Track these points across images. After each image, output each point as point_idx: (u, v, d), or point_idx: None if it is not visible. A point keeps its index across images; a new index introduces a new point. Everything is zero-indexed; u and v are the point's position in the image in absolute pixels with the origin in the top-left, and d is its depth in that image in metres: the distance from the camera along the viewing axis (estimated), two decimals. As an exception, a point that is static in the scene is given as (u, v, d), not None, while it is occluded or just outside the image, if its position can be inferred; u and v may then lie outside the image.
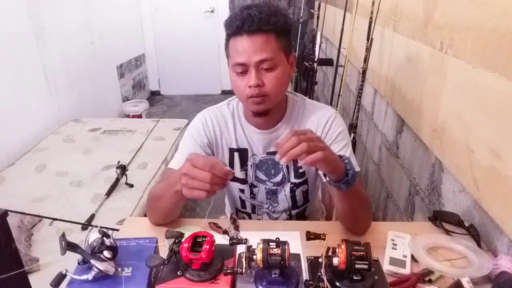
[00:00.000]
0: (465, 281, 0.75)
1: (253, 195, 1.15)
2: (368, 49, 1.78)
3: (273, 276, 0.68)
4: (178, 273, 0.70)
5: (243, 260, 0.68)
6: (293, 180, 1.10)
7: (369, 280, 0.68)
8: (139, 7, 4.70)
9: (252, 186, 1.13)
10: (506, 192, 0.86)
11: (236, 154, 1.09)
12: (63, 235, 0.69)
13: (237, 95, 1.00)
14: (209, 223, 1.01)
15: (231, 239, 0.73)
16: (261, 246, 0.67)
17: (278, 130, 1.06)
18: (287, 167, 1.09)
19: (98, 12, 3.53)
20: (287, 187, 1.11)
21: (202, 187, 0.75)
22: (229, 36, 0.94)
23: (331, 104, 2.51)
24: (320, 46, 3.77)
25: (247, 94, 0.94)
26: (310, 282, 0.68)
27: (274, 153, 1.07)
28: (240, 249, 0.73)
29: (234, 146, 1.08)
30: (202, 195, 0.76)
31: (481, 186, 0.97)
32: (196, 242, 0.72)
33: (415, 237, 0.91)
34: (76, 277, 0.70)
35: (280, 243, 0.68)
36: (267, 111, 0.98)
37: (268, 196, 1.14)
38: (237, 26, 0.89)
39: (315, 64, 3.07)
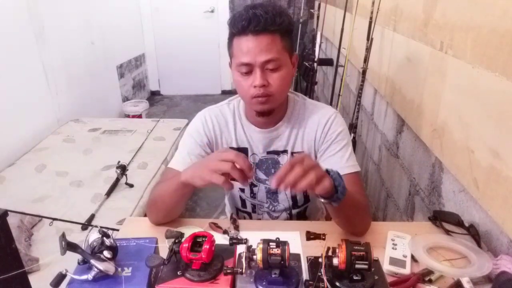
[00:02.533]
0: (465, 281, 0.75)
1: (253, 195, 1.15)
2: (368, 49, 1.78)
3: (273, 276, 0.68)
4: (178, 273, 0.70)
5: (243, 260, 0.68)
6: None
7: (369, 280, 0.68)
8: (139, 7, 4.70)
9: (252, 185, 1.13)
10: (506, 192, 0.86)
11: (235, 154, 1.09)
12: (63, 235, 0.69)
13: (241, 95, 0.99)
14: (209, 223, 1.01)
15: (231, 239, 0.73)
16: (261, 246, 0.67)
17: (279, 129, 1.06)
18: None
19: (98, 12, 3.52)
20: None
21: (224, 166, 0.78)
22: (233, 35, 0.93)
23: (331, 104, 2.51)
24: (320, 46, 3.77)
25: (251, 94, 0.94)
26: (310, 282, 0.68)
27: (274, 152, 1.08)
28: (240, 249, 0.73)
29: (234, 145, 1.08)
30: (220, 178, 0.79)
31: (481, 186, 0.97)
32: (196, 242, 0.72)
33: (415, 237, 0.91)
34: (76, 277, 0.70)
35: (280, 243, 0.68)
36: (271, 111, 0.98)
37: (268, 196, 1.14)
38: (243, 25, 0.89)
39: (315, 64, 3.07)
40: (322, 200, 0.81)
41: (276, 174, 0.74)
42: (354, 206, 0.90)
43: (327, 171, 0.80)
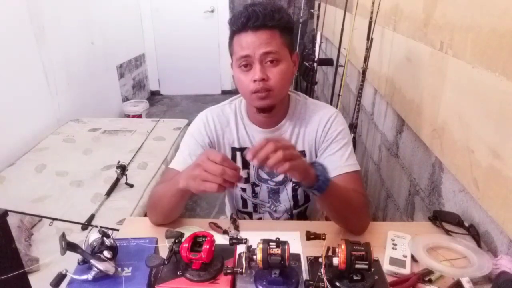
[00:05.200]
0: (465, 281, 0.75)
1: (255, 194, 1.15)
2: (368, 49, 1.78)
3: (273, 276, 0.68)
4: (178, 273, 0.70)
5: (243, 260, 0.68)
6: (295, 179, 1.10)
7: (369, 280, 0.68)
8: (139, 7, 4.70)
9: (254, 185, 1.13)
10: (506, 192, 0.86)
11: (238, 154, 1.09)
12: (63, 235, 0.69)
13: (241, 91, 0.99)
14: (209, 223, 1.01)
15: (231, 239, 0.73)
16: (261, 246, 0.67)
17: (281, 128, 1.06)
18: None
19: (98, 12, 3.53)
20: (289, 187, 1.12)
21: (213, 179, 0.76)
22: (233, 33, 0.95)
23: (331, 104, 2.51)
24: (320, 46, 3.77)
25: (251, 89, 0.94)
26: (310, 282, 0.68)
27: None
28: (240, 249, 0.73)
29: (236, 145, 1.08)
30: (213, 187, 0.76)
31: (481, 186, 0.97)
32: (196, 242, 0.72)
33: (415, 237, 0.91)
34: (76, 277, 0.70)
35: (280, 243, 0.68)
36: (271, 107, 0.98)
37: (270, 195, 1.14)
38: (242, 22, 0.90)
39: (315, 64, 3.07)
40: (305, 188, 0.83)
41: (251, 148, 0.75)
42: (344, 201, 0.90)
43: (313, 163, 0.81)
